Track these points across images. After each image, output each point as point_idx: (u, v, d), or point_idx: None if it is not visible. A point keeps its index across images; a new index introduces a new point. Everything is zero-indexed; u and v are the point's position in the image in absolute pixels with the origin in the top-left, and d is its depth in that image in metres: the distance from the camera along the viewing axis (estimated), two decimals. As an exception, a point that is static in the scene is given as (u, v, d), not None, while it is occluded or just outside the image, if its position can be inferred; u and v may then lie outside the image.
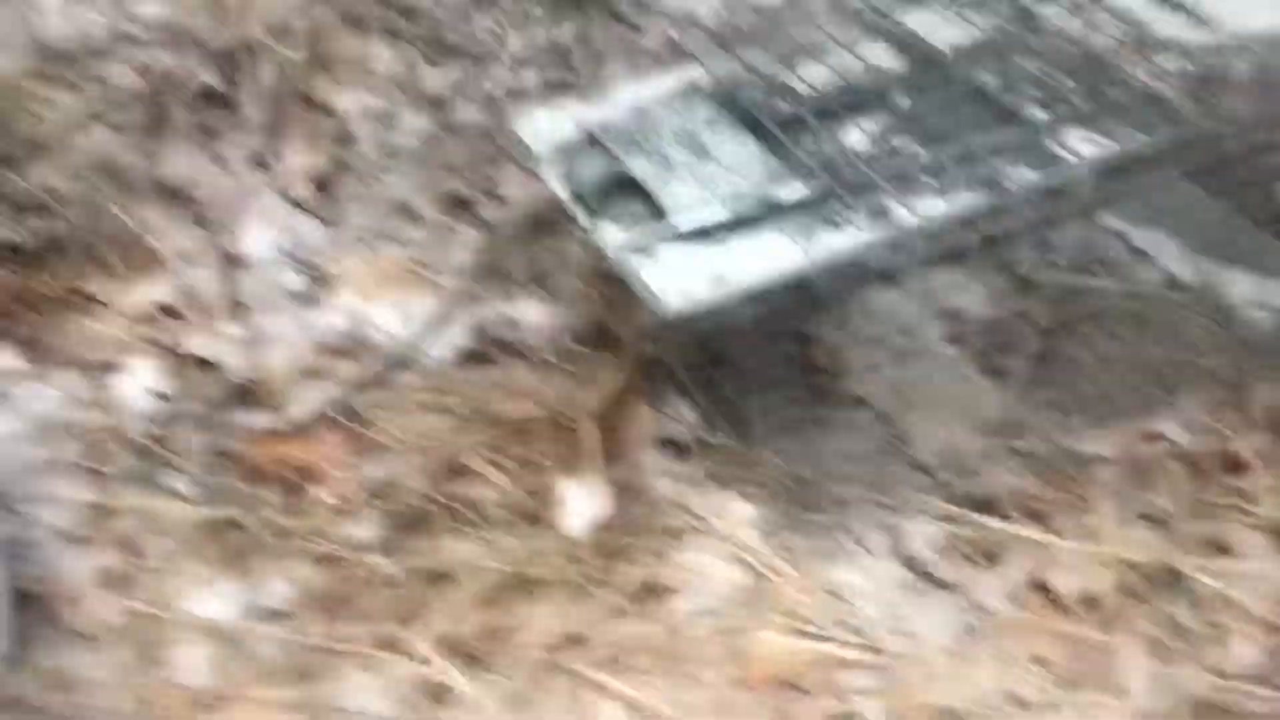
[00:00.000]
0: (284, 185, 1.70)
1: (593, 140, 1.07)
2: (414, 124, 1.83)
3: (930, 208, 1.01)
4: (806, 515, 1.31)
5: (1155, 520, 1.36)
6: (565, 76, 1.93)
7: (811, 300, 1.51)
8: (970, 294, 1.53)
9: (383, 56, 1.93)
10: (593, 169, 1.04)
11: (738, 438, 1.40)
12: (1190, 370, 1.48)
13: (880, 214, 1.01)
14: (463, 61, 1.95)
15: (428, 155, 1.76)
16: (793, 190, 1.01)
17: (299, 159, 1.74)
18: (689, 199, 1.00)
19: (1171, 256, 1.63)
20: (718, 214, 0.99)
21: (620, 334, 1.47)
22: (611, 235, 1.00)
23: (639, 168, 1.03)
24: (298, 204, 1.69)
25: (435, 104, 1.87)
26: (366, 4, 1.98)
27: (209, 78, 1.82)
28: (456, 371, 1.45)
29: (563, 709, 1.17)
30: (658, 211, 1.00)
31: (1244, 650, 1.25)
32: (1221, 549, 1.34)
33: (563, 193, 1.05)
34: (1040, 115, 1.11)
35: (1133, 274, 1.61)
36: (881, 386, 1.39)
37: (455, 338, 1.50)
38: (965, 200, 1.02)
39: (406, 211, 1.68)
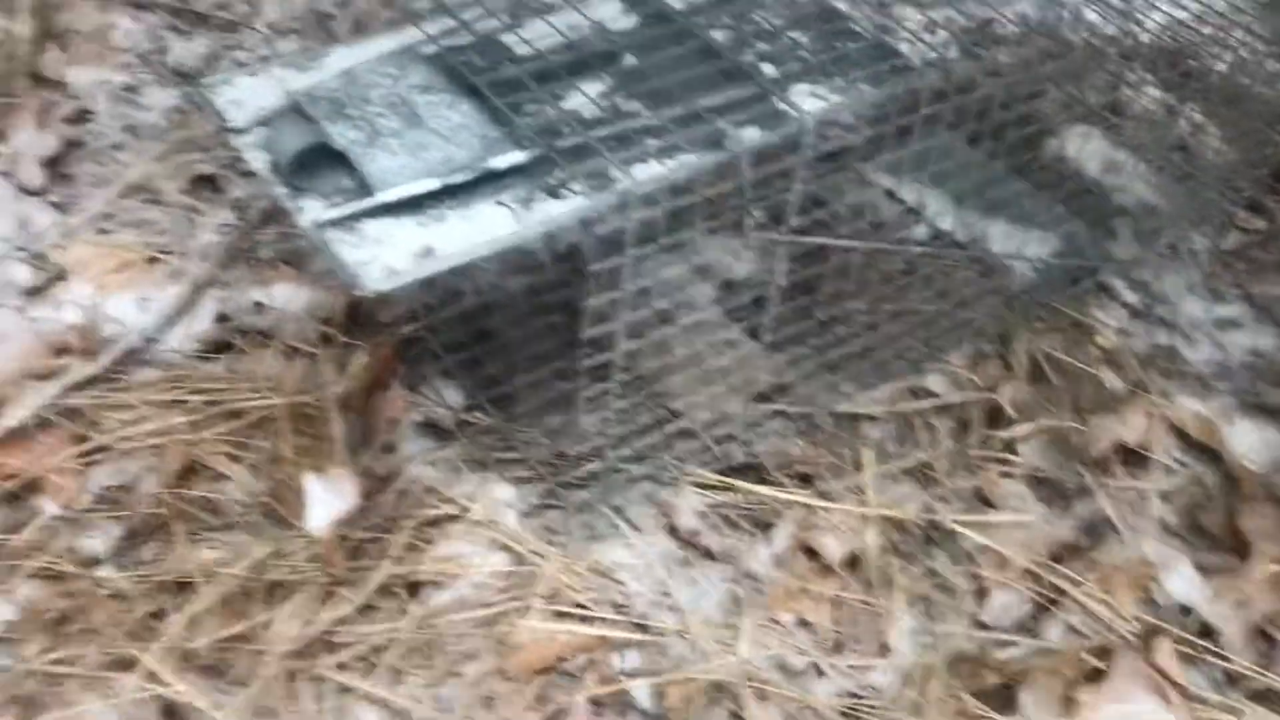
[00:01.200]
0: (11, 170, 1.57)
1: (296, 109, 0.99)
2: (159, 100, 1.71)
3: (651, 171, 0.97)
4: (570, 494, 1.26)
5: (921, 476, 1.36)
6: (328, 44, 1.84)
7: (573, 274, 1.48)
8: (739, 257, 1.51)
9: (125, 28, 1.80)
10: (292, 140, 0.96)
11: (501, 417, 1.34)
12: (955, 324, 1.49)
13: (600, 179, 0.96)
14: (215, 32, 1.83)
15: (172, 132, 1.65)
16: (510, 157, 0.96)
17: (28, 140, 1.60)
18: (397, 169, 0.94)
19: (937, 210, 1.64)
20: (427, 184, 0.93)
21: (376, 315, 1.40)
22: (311, 210, 0.93)
23: (342, 137, 0.96)
24: (26, 190, 1.56)
25: (182, 77, 1.75)
26: (104, -29, 1.85)
27: (-78, 55, 1.67)
28: (197, 363, 1.36)
29: (311, 717, 1.10)
30: (363, 184, 0.94)
31: (1004, 600, 1.26)
32: (984, 501, 1.35)
33: (262, 167, 0.97)
34: (771, 71, 1.08)
35: (900, 229, 1.61)
36: (648, 354, 1.36)
37: (197, 327, 1.40)
38: (687, 162, 0.98)
39: (148, 193, 1.57)
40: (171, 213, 1.54)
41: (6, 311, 1.40)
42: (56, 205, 1.55)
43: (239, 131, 1.00)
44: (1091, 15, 1.55)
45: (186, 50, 1.79)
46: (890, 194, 1.65)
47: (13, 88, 1.66)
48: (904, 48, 1.12)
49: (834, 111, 1.03)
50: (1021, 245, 1.56)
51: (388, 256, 0.90)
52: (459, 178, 0.94)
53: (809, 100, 1.05)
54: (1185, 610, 1.27)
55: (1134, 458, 1.41)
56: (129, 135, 1.65)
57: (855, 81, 1.07)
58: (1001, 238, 1.60)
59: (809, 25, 1.14)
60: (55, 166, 1.59)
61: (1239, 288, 1.66)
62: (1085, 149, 1.76)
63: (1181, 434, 1.44)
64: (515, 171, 0.97)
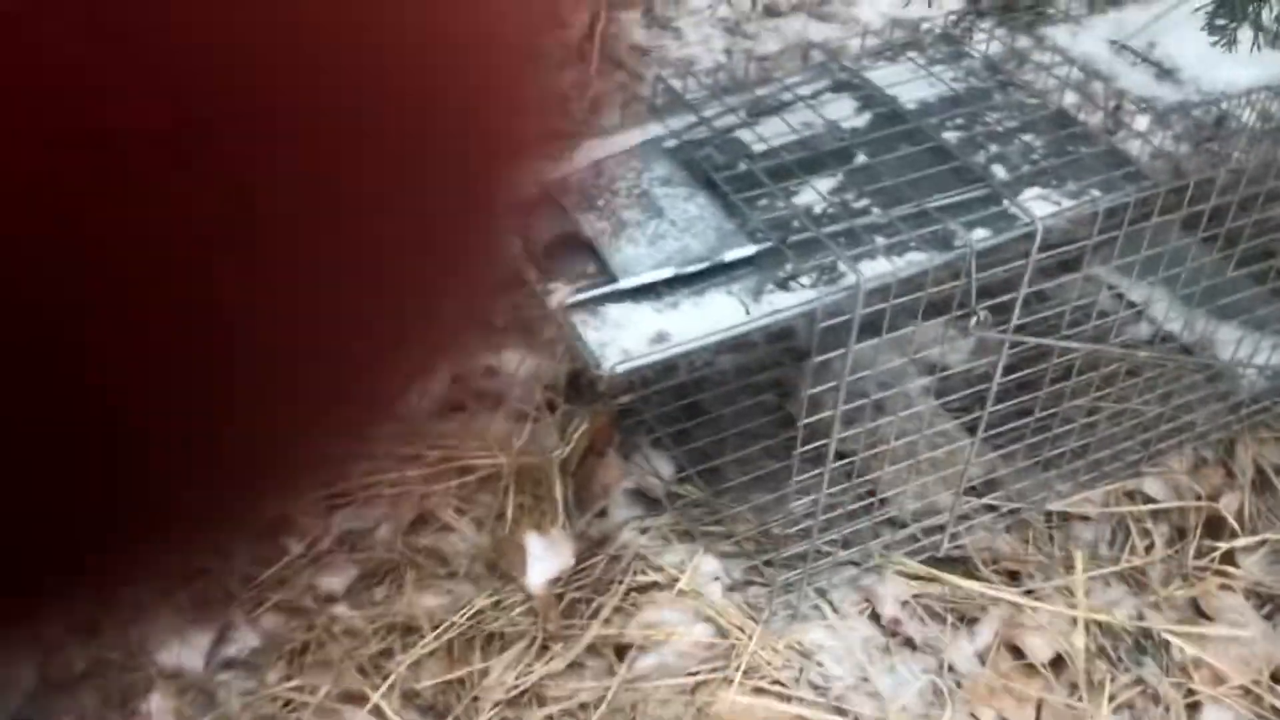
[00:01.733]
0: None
1: (547, 195, 1.07)
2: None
3: (878, 268, 1.00)
4: (775, 572, 1.29)
5: (1133, 582, 1.33)
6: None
7: (786, 354, 1.52)
8: (955, 349, 1.52)
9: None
10: (544, 226, 1.04)
11: (710, 491, 1.39)
12: (1177, 429, 1.45)
13: (829, 274, 1.01)
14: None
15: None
16: (742, 250, 1.01)
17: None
18: (637, 258, 1.00)
19: (1164, 310, 1.60)
20: (664, 273, 0.99)
21: (595, 385, 1.47)
22: (559, 293, 1.00)
23: (589, 224, 1.03)
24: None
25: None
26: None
27: None
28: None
29: (519, 765, 1.16)
30: (606, 270, 1.01)
31: (1218, 716, 1.22)
32: (1199, 612, 1.31)
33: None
34: (1001, 174, 1.10)
35: (1124, 329, 1.58)
36: (859, 440, 1.38)
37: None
38: (915, 260, 1.01)
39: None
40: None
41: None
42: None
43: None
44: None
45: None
46: (1118, 294, 1.63)
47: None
48: (1135, 145, 1.12)
49: (1064, 216, 1.05)
50: (1251, 351, 1.51)
51: (625, 339, 0.96)
52: (694, 268, 1.00)
53: (1039, 204, 1.06)
54: None
55: (1369, 578, 1.34)
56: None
57: (1087, 186, 1.08)
58: (1231, 342, 1.55)
59: (1041, 129, 1.16)
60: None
61: None
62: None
63: None
64: (747, 263, 1.02)
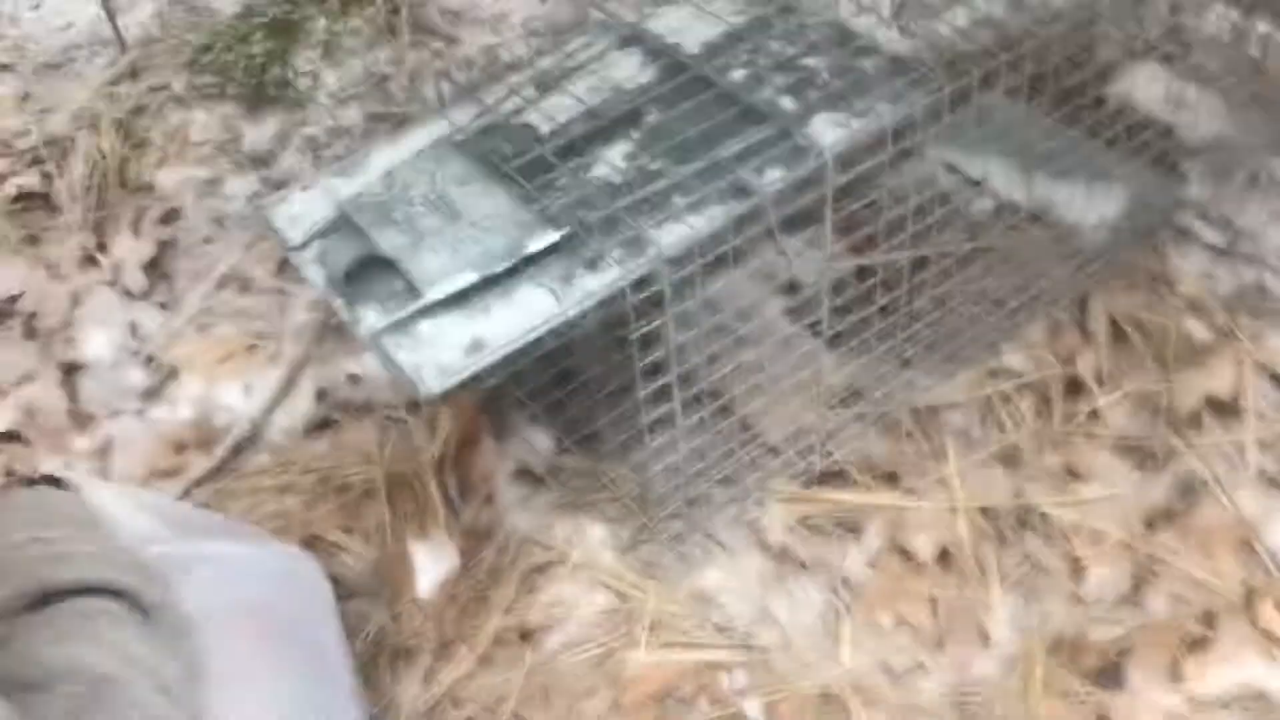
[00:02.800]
0: (115, 278, 1.69)
1: (346, 219, 1.06)
2: (239, 188, 1.81)
3: (679, 232, 1.00)
4: (662, 525, 1.31)
5: (1008, 460, 1.37)
6: (388, 107, 1.91)
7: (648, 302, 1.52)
8: (806, 262, 1.53)
9: (200, 121, 1.90)
10: (343, 253, 1.03)
11: (590, 457, 1.40)
12: (1030, 299, 1.48)
13: (634, 246, 1.00)
14: (282, 112, 1.92)
15: (255, 217, 1.74)
16: (544, 238, 1.01)
17: (127, 247, 1.72)
18: (440, 268, 1.00)
19: (1004, 180, 1.62)
20: (468, 278, 0.99)
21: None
22: (368, 318, 0.99)
23: (388, 242, 1.02)
24: (131, 294, 1.67)
25: (259, 161, 1.85)
26: (174, 71, 1.95)
27: (23, 181, 1.80)
28: (304, 442, 1.45)
29: (446, 770, 1.19)
30: (412, 286, 1.00)
31: (1102, 576, 1.26)
32: (1074, 475, 1.35)
33: (318, 281, 1.04)
34: (789, 105, 1.10)
35: (967, 205, 1.60)
36: (725, 376, 1.39)
37: (300, 406, 1.49)
38: (714, 215, 1.01)
39: (241, 281, 1.67)
40: (264, 298, 1.63)
41: (128, 417, 1.51)
42: (160, 305, 1.66)
43: (297, 249, 1.07)
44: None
45: (259, 134, 1.88)
46: (952, 167, 1.64)
47: (107, 199, 1.78)
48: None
49: (853, 139, 1.05)
50: (1091, 205, 1.53)
51: (441, 355, 0.96)
52: (498, 267, 0.99)
53: (830, 131, 1.07)
54: (1292, 563, 1.26)
55: (1226, 409, 1.39)
56: (217, 227, 1.75)
57: (874, 101, 1.08)
58: (1069, 201, 1.57)
59: (823, 49, 1.15)
60: (154, 268, 1.71)
61: (1328, 209, 1.61)
62: (1150, 89, 1.71)
63: (1275, 377, 1.41)
64: (553, 250, 1.02)
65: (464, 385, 1.00)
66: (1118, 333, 1.47)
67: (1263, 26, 1.71)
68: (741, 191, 1.03)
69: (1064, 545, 1.29)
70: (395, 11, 1.98)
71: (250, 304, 1.63)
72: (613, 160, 1.08)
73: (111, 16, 1.96)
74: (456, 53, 1.98)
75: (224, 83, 1.91)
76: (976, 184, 1.64)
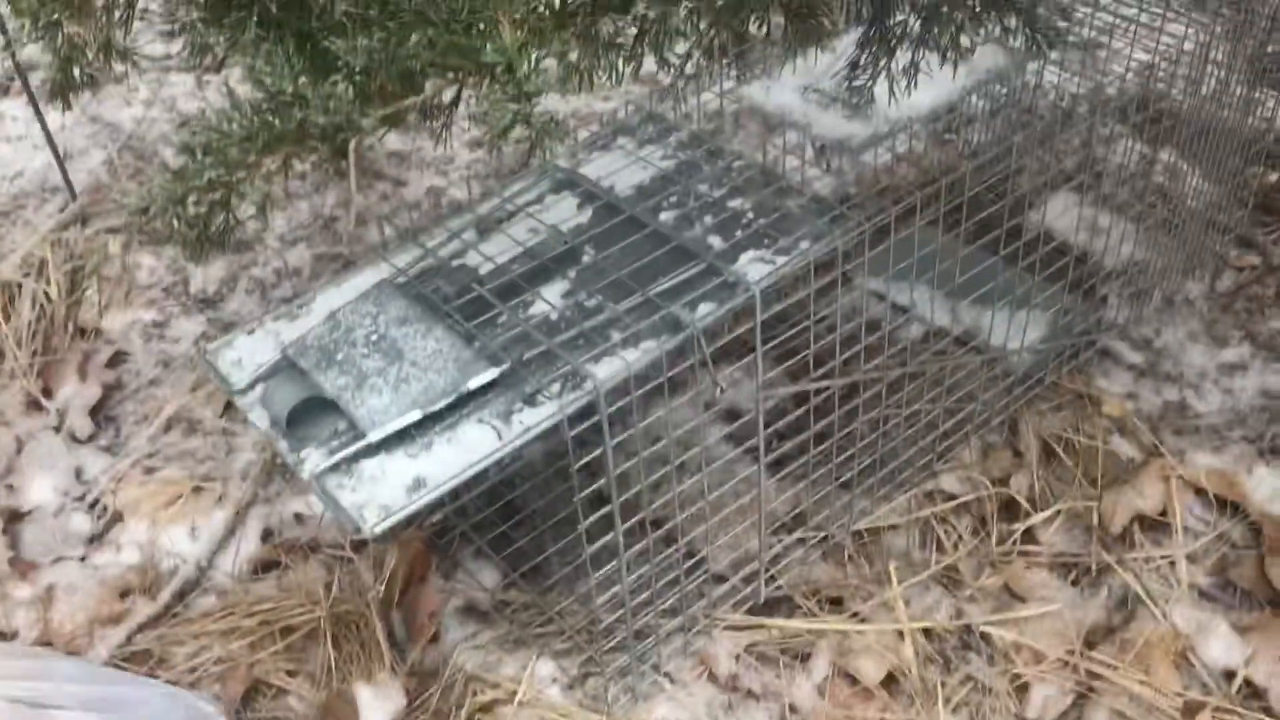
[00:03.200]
0: (60, 423, 1.69)
1: (289, 362, 1.08)
2: (187, 329, 1.83)
3: (613, 366, 1.04)
4: (609, 658, 1.31)
5: (948, 581, 1.39)
6: (335, 248, 1.96)
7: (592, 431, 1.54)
8: (743, 390, 1.57)
9: (148, 265, 1.93)
10: (287, 396, 1.05)
11: (536, 591, 1.40)
12: (961, 421, 1.52)
13: (572, 379, 1.04)
14: (230, 254, 1.96)
15: (200, 360, 1.76)
16: (485, 376, 1.03)
17: (73, 392, 1.72)
18: (383, 407, 1.02)
19: (931, 307, 1.68)
20: (411, 417, 1.01)
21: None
22: (311, 460, 1.01)
23: (330, 384, 1.04)
24: (77, 438, 1.67)
25: (206, 303, 1.87)
26: (122, 217, 1.99)
27: (-32, 329, 1.80)
28: (249, 584, 1.44)
29: None
30: (355, 426, 1.02)
31: (1044, 694, 1.28)
32: (1013, 595, 1.38)
33: (262, 424, 1.06)
34: (718, 243, 1.15)
35: (897, 332, 1.66)
36: (668, 503, 1.41)
37: (245, 548, 1.49)
38: (648, 348, 1.05)
39: (187, 423, 1.68)
40: (211, 439, 1.64)
41: (71, 563, 1.50)
42: (105, 449, 1.66)
43: (241, 393, 1.09)
44: (1054, 76, 1.60)
45: (207, 276, 1.91)
46: (880, 296, 1.70)
47: (53, 344, 1.79)
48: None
49: (779, 274, 1.10)
50: (1016, 330, 1.59)
51: (383, 494, 0.97)
52: (440, 404, 1.02)
53: (755, 267, 1.11)
54: (1229, 674, 1.28)
55: (1156, 525, 1.43)
56: (163, 369, 1.76)
57: (798, 239, 1.14)
58: (994, 326, 1.63)
59: (749, 190, 1.21)
60: (100, 411, 1.71)
61: (1241, 329, 1.68)
62: (1066, 217, 1.80)
63: (1201, 492, 1.45)
64: (493, 386, 1.05)
65: (407, 522, 1.01)
66: (1048, 452, 1.51)
67: (1167, 155, 1.81)
68: (674, 325, 1.07)
69: (1006, 665, 1.30)
70: (342, 155, 2.04)
71: (197, 446, 1.64)
72: (551, 298, 1.12)
73: (61, 165, 2.00)
74: (403, 194, 2.04)
75: (171, 230, 1.94)
76: (905, 311, 1.69)
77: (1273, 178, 1.88)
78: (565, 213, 1.22)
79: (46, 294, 1.83)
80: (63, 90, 1.16)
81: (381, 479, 0.99)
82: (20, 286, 1.84)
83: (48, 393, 1.73)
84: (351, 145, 1.80)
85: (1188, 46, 1.49)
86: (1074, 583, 1.38)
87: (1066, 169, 1.92)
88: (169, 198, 0.75)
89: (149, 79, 2.30)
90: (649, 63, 1.13)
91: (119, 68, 1.09)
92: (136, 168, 2.12)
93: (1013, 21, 0.94)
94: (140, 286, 1.90)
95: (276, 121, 0.73)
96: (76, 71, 1.13)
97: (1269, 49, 1.62)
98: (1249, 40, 1.59)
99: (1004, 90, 1.82)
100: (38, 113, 1.94)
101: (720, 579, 1.38)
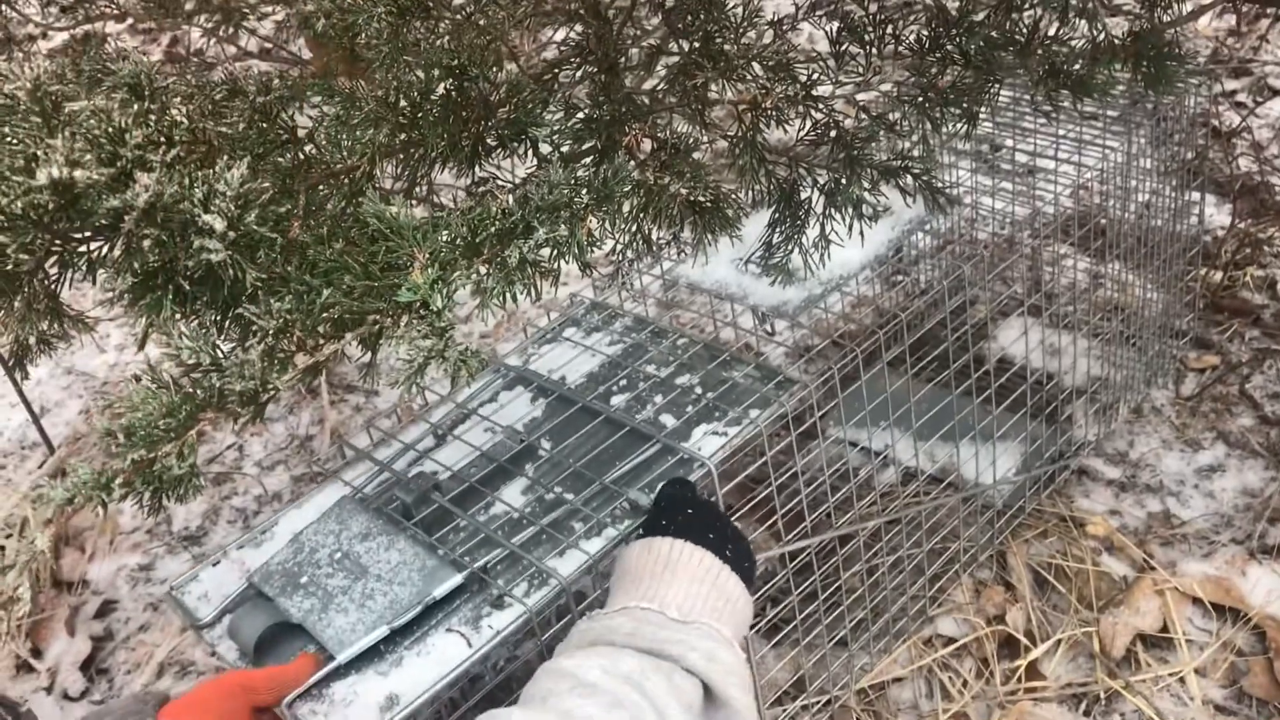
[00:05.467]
0: (52, 683, 1.67)
1: (254, 590, 1.08)
2: (173, 568, 1.83)
3: (576, 560, 1.04)
4: None
5: (957, 727, 1.36)
6: (313, 467, 1.97)
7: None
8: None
9: (129, 510, 1.94)
10: (253, 625, 1.04)
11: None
12: (949, 560, 1.52)
13: (538, 578, 1.04)
14: (211, 487, 1.97)
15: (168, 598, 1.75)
16: (449, 583, 1.03)
17: (62, 649, 1.71)
18: (350, 626, 1.02)
19: (904, 449, 1.69)
20: (378, 634, 1.00)
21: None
22: (284, 693, 1.00)
23: (297, 608, 1.04)
24: (70, 696, 1.65)
25: (190, 539, 1.88)
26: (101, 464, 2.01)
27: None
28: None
29: None
30: (324, 649, 1.01)
31: (1073, 837, 1.23)
32: (1026, 734, 1.34)
33: (231, 655, 1.05)
34: (671, 421, 1.16)
35: (872, 479, 1.66)
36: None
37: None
38: (611, 535, 1.05)
39: (179, 665, 1.66)
40: (207, 679, 1.62)
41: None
42: (99, 703, 1.64)
43: (208, 627, 1.09)
44: (995, 203, 1.64)
45: (189, 513, 1.92)
46: (853, 444, 1.71)
47: (41, 602, 1.78)
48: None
49: (732, 444, 1.11)
50: (988, 462, 1.59)
51: (356, 716, 0.96)
52: (407, 617, 1.02)
53: (708, 440, 1.13)
54: (1257, 791, 1.24)
55: (1159, 641, 1.40)
56: (151, 613, 1.75)
57: (748, 408, 1.15)
58: (968, 461, 1.63)
59: (695, 365, 1.23)
60: (91, 665, 1.69)
61: (1212, 430, 1.69)
62: (1022, 342, 1.82)
63: (1198, 601, 1.43)
64: (460, 592, 1.04)
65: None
66: (1040, 581, 1.50)
67: (1114, 267, 1.85)
68: (634, 511, 1.08)
69: (1028, 810, 1.26)
70: (260, 417, 2.07)
71: (190, 688, 1.61)
72: (510, 498, 1.13)
73: (37, 421, 2.03)
74: (375, 405, 2.07)
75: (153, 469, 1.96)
76: (878, 454, 1.70)
77: (1216, 276, 1.92)
78: (520, 410, 1.24)
79: (29, 548, 1.83)
80: (19, 360, 1.20)
81: (353, 700, 0.98)
82: (2, 549, 1.85)
83: (36, 653, 1.71)
84: (323, 371, 1.84)
85: (1116, 159, 1.54)
86: (1085, 713, 1.34)
87: (1018, 294, 1.96)
88: (94, 485, 0.77)
89: (120, 323, 2.36)
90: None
91: (73, 331, 1.12)
92: (115, 412, 2.15)
93: (909, 183, 0.98)
94: (123, 532, 1.91)
95: (197, 392, 0.76)
96: (32, 340, 1.17)
97: (1188, 153, 1.68)
98: (1170, 146, 1.65)
99: (944, 229, 1.87)
100: (9, 373, 1.98)
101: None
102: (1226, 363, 1.78)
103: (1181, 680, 1.35)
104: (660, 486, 1.06)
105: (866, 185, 0.95)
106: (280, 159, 0.93)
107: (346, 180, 0.95)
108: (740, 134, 0.95)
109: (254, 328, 0.75)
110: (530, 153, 1.01)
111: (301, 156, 0.94)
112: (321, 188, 0.95)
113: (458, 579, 1.04)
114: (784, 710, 1.39)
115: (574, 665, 0.87)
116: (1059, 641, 1.41)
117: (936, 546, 1.52)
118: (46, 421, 2.07)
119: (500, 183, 1.04)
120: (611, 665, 0.86)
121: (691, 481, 1.07)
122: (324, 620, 1.03)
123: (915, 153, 1.01)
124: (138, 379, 0.86)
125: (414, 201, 1.09)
